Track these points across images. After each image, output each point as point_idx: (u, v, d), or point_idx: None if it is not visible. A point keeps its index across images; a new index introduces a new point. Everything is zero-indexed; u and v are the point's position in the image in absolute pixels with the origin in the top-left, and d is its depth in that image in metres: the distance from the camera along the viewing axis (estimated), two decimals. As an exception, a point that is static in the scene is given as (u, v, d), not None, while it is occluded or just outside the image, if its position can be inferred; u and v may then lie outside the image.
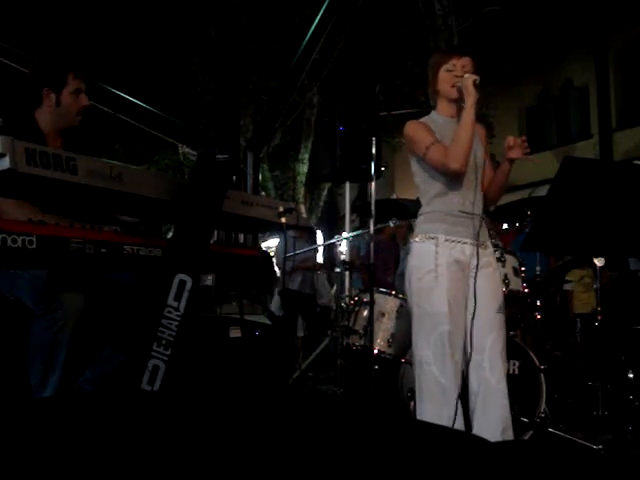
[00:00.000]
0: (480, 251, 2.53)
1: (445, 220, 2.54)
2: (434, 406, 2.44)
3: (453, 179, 2.54)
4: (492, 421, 2.45)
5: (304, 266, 6.15)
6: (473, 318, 2.48)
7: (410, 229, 5.64)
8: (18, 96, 2.55)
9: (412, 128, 2.61)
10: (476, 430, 2.44)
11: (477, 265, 2.50)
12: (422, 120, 2.66)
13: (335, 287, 5.92)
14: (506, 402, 2.49)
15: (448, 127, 2.59)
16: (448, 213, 2.55)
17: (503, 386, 2.49)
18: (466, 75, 2.52)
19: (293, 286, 6.15)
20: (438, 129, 2.59)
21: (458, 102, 2.58)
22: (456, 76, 2.54)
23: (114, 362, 2.47)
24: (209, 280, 4.34)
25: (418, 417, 2.47)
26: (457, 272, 2.51)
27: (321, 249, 8.37)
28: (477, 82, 2.50)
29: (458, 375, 2.46)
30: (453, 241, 2.53)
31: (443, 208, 2.56)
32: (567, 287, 5.58)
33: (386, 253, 6.01)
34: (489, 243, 2.65)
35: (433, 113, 2.69)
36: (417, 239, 2.59)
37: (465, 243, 2.53)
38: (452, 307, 2.47)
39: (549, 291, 4.45)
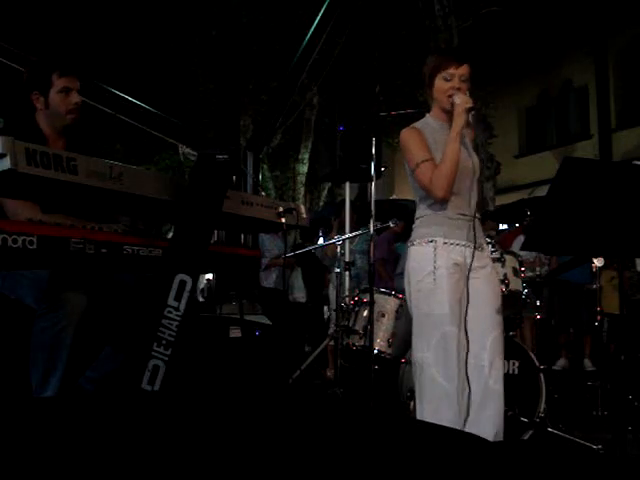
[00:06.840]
0: (477, 253, 2.54)
1: (444, 223, 2.55)
2: (434, 408, 2.44)
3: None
4: (486, 423, 2.46)
5: (276, 263, 6.17)
6: (466, 317, 2.48)
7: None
8: (19, 99, 2.55)
9: (407, 137, 2.59)
10: (469, 429, 2.43)
11: (472, 266, 2.51)
12: (417, 126, 2.63)
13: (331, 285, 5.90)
14: (501, 405, 2.50)
15: (442, 132, 2.58)
16: (446, 216, 2.55)
17: (500, 387, 2.50)
18: (462, 97, 2.48)
19: (269, 284, 6.18)
20: (432, 134, 2.59)
21: (451, 113, 2.53)
22: (453, 87, 2.51)
23: (115, 362, 2.47)
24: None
25: (418, 418, 2.47)
26: (456, 274, 2.52)
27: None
28: (472, 111, 2.47)
29: (461, 376, 2.45)
30: (452, 244, 2.54)
31: (441, 211, 2.56)
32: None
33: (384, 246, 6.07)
34: (485, 245, 2.68)
35: (427, 116, 2.68)
36: (415, 242, 2.59)
37: (463, 246, 2.55)
38: (453, 308, 2.48)
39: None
